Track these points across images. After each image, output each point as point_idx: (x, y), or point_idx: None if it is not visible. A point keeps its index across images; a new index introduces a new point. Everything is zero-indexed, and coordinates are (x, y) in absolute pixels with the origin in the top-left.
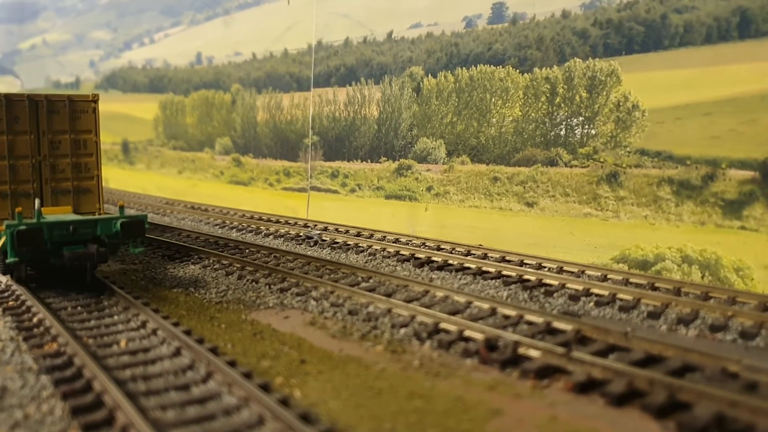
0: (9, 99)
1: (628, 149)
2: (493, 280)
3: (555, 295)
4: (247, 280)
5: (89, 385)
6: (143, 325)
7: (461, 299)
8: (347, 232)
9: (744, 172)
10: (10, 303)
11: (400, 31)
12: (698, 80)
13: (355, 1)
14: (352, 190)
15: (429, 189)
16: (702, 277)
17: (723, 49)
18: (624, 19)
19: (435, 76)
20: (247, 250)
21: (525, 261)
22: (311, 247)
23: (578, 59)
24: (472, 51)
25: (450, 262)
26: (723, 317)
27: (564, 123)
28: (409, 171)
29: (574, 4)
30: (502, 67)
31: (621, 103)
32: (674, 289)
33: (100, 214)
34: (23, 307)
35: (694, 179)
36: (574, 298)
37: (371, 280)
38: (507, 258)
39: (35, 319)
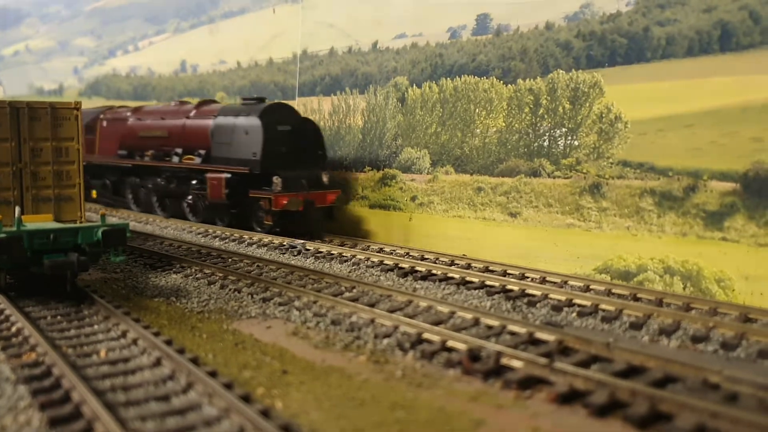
0: None
1: (610, 160)
2: (477, 290)
3: (538, 305)
4: (230, 290)
5: (68, 395)
6: (123, 334)
7: (444, 309)
8: (331, 241)
9: (725, 184)
10: None
11: (385, 41)
12: (680, 92)
13: (341, 10)
14: None
15: (413, 199)
16: (684, 288)
17: (704, 62)
18: (607, 31)
19: (419, 87)
20: (229, 259)
21: (508, 271)
22: (295, 256)
23: (561, 71)
24: (457, 62)
25: (433, 272)
26: (704, 328)
27: (547, 134)
28: (394, 180)
29: (558, 16)
30: (486, 78)
31: (604, 115)
32: (656, 300)
33: (81, 222)
34: (1, 316)
35: (675, 191)
36: (557, 308)
37: (354, 290)
38: (490, 268)
39: (14, 329)
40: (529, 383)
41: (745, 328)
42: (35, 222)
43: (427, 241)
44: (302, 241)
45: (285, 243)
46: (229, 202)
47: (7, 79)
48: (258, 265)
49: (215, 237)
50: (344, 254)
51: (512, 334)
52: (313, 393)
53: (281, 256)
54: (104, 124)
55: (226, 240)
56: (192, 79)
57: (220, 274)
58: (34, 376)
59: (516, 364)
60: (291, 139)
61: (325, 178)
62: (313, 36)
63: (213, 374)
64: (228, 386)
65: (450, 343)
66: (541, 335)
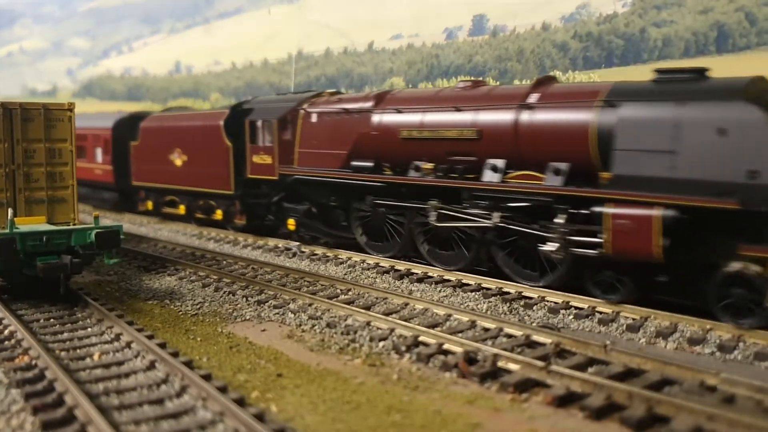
0: None
1: None
2: (473, 293)
3: (535, 307)
4: (224, 292)
5: (61, 399)
6: (117, 337)
7: (441, 312)
8: (326, 242)
9: None
10: None
11: (381, 41)
12: None
13: (337, 11)
14: None
15: None
16: None
17: (701, 63)
18: (604, 32)
19: (416, 88)
20: (224, 262)
21: None
22: (290, 258)
23: (558, 71)
24: (453, 62)
25: (430, 274)
26: (701, 330)
27: None
28: None
29: (555, 17)
30: (483, 78)
31: None
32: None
33: (75, 224)
34: None
35: None
36: (554, 310)
37: (350, 293)
38: None
39: (6, 332)
40: (525, 386)
41: (742, 331)
42: (28, 224)
43: None
44: (297, 243)
45: (280, 245)
46: (666, 261)
47: (1, 80)
48: (253, 268)
49: (210, 239)
50: (340, 256)
51: (509, 336)
52: (309, 396)
53: (276, 258)
54: (313, 118)
55: (221, 242)
56: (187, 80)
57: (215, 277)
58: (27, 379)
59: (513, 366)
60: None
61: None
62: (309, 36)
63: (207, 377)
64: (222, 390)
65: (446, 346)
66: (537, 338)
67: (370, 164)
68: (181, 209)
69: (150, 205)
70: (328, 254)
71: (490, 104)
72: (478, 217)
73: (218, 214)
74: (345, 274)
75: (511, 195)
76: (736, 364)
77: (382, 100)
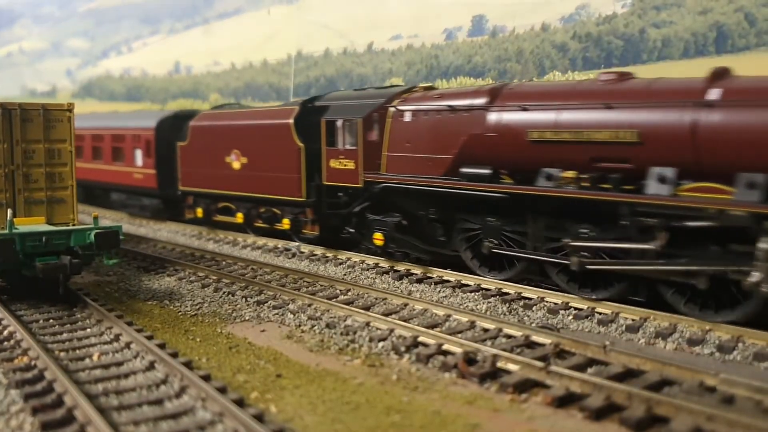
0: None
1: None
2: (473, 293)
3: (534, 308)
4: (224, 293)
5: (60, 399)
6: (117, 338)
7: (440, 312)
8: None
9: None
10: None
11: (380, 42)
12: None
13: (336, 11)
14: None
15: None
16: None
17: (700, 64)
18: (603, 33)
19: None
20: (223, 262)
21: None
22: (289, 259)
23: (558, 72)
24: (452, 63)
25: (429, 274)
26: (701, 331)
27: None
28: None
29: (554, 18)
30: (482, 79)
31: None
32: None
33: (74, 224)
34: None
35: None
36: (553, 311)
37: (350, 293)
38: None
39: (6, 332)
40: (525, 386)
41: (741, 332)
42: (27, 224)
43: None
44: (297, 244)
45: (279, 246)
46: None
47: (0, 80)
48: (252, 268)
49: (209, 240)
50: (339, 256)
51: (508, 337)
52: (308, 397)
53: (276, 258)
54: (406, 117)
55: (220, 242)
56: (186, 80)
57: (214, 277)
58: (27, 380)
59: (512, 367)
60: None
61: None
62: (308, 37)
63: (207, 378)
64: (222, 390)
65: (446, 347)
66: (537, 338)
67: (486, 171)
68: (239, 217)
69: (200, 212)
70: (328, 255)
71: (654, 101)
72: (639, 241)
73: (285, 224)
74: (344, 275)
75: (687, 213)
76: (735, 365)
77: (498, 96)
